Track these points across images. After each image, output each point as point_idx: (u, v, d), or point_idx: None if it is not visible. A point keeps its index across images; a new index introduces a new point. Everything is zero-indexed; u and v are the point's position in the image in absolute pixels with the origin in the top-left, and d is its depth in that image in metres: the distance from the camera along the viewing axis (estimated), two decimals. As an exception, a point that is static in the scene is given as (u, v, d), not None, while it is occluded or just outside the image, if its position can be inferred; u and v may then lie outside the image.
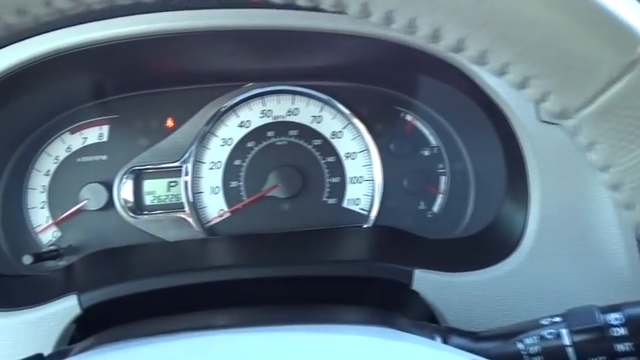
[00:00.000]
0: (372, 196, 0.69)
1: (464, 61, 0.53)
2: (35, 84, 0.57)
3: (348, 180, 0.69)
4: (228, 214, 0.68)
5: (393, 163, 0.69)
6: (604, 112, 0.23)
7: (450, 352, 0.36)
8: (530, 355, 0.40)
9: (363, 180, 0.69)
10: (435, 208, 0.70)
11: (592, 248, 0.53)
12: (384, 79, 0.68)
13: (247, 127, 0.68)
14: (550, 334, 0.40)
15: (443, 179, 0.70)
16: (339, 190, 0.69)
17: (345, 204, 0.69)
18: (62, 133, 0.67)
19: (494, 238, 0.60)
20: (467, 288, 0.54)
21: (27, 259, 0.58)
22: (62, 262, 0.64)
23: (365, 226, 0.68)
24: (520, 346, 0.40)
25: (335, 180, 0.69)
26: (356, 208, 0.69)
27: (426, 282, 0.54)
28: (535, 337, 0.40)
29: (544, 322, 0.41)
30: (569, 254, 0.54)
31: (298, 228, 0.67)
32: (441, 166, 0.70)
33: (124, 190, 0.66)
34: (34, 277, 0.61)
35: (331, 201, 0.69)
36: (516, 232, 0.57)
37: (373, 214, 0.68)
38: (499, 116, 0.56)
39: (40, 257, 0.59)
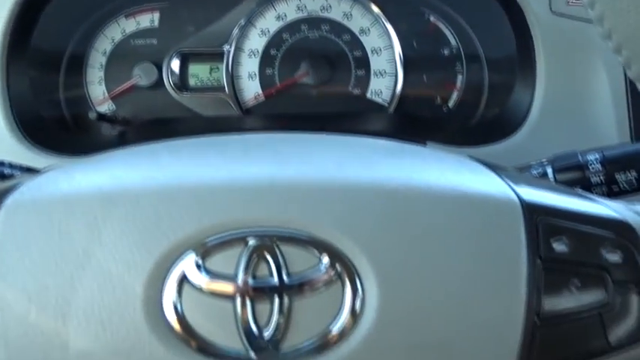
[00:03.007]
0: (394, 90, 0.76)
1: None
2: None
3: (372, 73, 0.76)
4: (262, 98, 0.75)
5: (415, 60, 0.75)
6: None
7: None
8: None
9: (386, 74, 0.76)
10: (451, 103, 0.76)
11: (589, 128, 0.60)
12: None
13: (283, 20, 0.75)
14: (537, 172, 0.47)
15: (459, 77, 0.76)
16: (364, 82, 0.76)
17: (368, 95, 0.76)
18: (118, 18, 0.74)
19: (502, 122, 0.67)
20: (473, 159, 0.62)
21: (92, 115, 0.67)
22: (114, 132, 0.73)
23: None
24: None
25: (360, 73, 0.76)
26: (378, 99, 0.76)
27: (436, 153, 0.62)
28: (523, 175, 0.47)
29: (533, 162, 0.48)
30: (568, 132, 0.60)
31: (325, 113, 0.75)
32: (458, 64, 0.76)
33: (172, 70, 0.74)
34: (92, 138, 0.70)
35: (356, 91, 0.76)
36: (522, 115, 0.63)
37: (393, 105, 0.75)
38: (514, 9, 0.62)
39: (101, 116, 0.68)
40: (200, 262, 0.29)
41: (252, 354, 0.29)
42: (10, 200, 0.31)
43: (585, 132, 0.59)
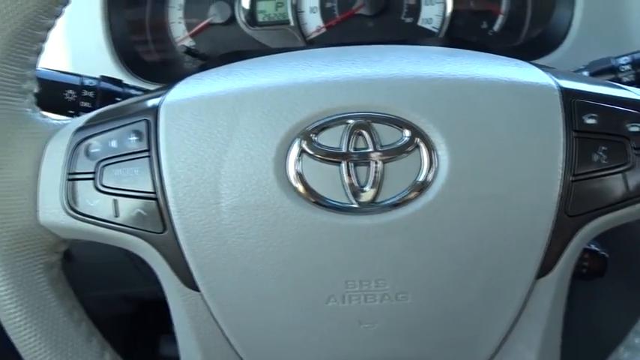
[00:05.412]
0: (443, 17, 0.82)
1: None
2: None
3: (423, 2, 0.83)
4: (324, 30, 0.84)
5: (462, -12, 0.82)
6: None
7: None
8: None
9: (436, 2, 0.83)
10: (496, 27, 0.83)
11: (624, 38, 0.67)
12: None
13: (340, -43, 0.83)
14: (577, 75, 0.55)
15: (504, 2, 0.82)
16: (415, 10, 0.83)
17: (420, 22, 0.83)
18: (193, -38, 0.83)
19: (544, 40, 0.74)
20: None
21: (181, 49, 0.77)
22: (195, 65, 0.83)
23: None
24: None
25: (412, 2, 0.83)
26: (429, 27, 0.83)
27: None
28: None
29: (572, 70, 0.56)
30: (605, 44, 0.67)
31: (381, 41, 0.83)
32: (503, -11, 0.83)
33: (243, 7, 0.82)
34: (178, 72, 0.80)
35: (408, 20, 0.83)
36: (563, 31, 0.70)
37: (443, 31, 0.82)
38: None
39: (189, 50, 0.78)
40: (314, 137, 0.39)
41: (356, 205, 0.39)
42: (165, 101, 0.42)
43: (621, 42, 0.66)
